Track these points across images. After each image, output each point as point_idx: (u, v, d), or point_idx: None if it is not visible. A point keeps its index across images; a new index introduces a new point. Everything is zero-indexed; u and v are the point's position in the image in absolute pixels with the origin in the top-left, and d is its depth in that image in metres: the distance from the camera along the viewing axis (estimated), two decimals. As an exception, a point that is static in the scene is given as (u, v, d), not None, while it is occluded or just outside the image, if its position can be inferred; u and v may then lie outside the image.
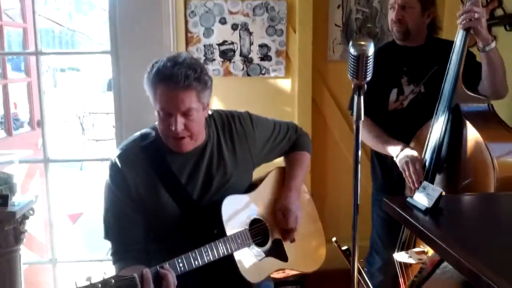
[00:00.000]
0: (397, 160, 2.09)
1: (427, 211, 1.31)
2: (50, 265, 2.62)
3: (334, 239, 1.91)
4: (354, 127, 1.26)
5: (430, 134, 2.00)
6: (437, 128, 1.96)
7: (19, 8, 3.08)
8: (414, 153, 2.04)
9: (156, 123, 1.72)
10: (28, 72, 3.16)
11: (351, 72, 1.20)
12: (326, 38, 3.22)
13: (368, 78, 1.21)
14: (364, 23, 3.22)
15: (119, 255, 1.70)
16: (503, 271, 0.98)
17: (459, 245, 1.11)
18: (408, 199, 1.40)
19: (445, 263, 1.41)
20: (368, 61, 1.18)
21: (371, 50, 1.18)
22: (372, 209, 2.50)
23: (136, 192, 1.68)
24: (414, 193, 1.42)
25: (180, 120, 1.59)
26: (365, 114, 2.33)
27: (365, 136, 2.31)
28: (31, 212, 2.27)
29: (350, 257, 1.89)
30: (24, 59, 3.14)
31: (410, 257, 1.88)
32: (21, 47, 3.13)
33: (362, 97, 1.24)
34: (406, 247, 2.12)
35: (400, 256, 2.00)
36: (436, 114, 1.98)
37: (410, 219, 1.31)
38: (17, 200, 2.17)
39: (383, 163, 2.33)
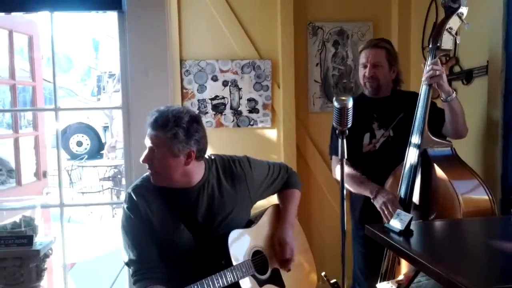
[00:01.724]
0: (374, 201, 2.36)
1: (401, 233, 1.61)
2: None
3: (323, 273, 2.17)
4: (340, 164, 1.57)
5: (403, 174, 2.28)
6: (409, 169, 2.25)
7: (29, 69, 3.39)
8: (390, 194, 2.32)
9: None
10: (36, 126, 3.43)
11: (336, 121, 1.53)
12: (307, 92, 3.57)
13: (349, 125, 1.53)
14: (340, 79, 3.60)
15: (138, 275, 1.92)
16: (462, 273, 1.28)
17: (427, 256, 1.41)
18: (385, 225, 1.70)
19: (418, 278, 1.69)
20: (349, 112, 1.51)
21: (350, 103, 1.51)
22: (352, 245, 2.75)
23: (148, 218, 1.94)
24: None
25: (147, 153, 1.91)
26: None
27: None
28: (50, 251, 2.50)
29: (339, 289, 2.17)
30: (33, 114, 3.42)
31: (392, 286, 2.15)
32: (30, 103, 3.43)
33: (345, 140, 1.55)
34: (387, 277, 2.39)
35: (382, 286, 2.27)
36: (407, 158, 2.27)
37: (388, 240, 1.60)
38: (40, 240, 2.42)
39: (360, 200, 2.59)
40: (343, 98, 1.51)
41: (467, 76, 2.87)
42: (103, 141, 12.35)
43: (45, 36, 3.39)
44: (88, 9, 2.90)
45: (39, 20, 3.53)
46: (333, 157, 2.69)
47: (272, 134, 3.56)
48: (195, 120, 1.95)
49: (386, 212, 2.29)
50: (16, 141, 3.36)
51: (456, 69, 2.98)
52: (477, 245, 1.62)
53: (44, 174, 3.42)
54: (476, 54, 2.75)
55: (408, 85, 3.15)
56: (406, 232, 1.60)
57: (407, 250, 1.47)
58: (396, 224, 1.65)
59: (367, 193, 2.42)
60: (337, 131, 1.54)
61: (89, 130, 12.60)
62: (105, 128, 12.43)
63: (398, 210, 1.69)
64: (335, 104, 1.50)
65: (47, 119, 3.69)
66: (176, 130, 1.87)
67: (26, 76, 3.47)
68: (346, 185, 2.57)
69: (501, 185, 2.50)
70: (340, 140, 1.55)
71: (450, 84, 3.01)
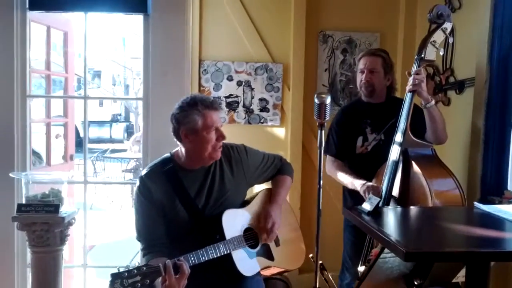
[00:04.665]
0: (360, 190, 2.63)
1: (369, 213, 1.88)
2: (82, 269, 3.16)
3: (310, 255, 2.44)
4: (318, 152, 1.86)
5: (386, 169, 2.51)
6: (391, 165, 2.48)
7: (62, 62, 3.78)
8: (373, 184, 2.59)
9: (176, 150, 2.31)
10: (66, 113, 3.80)
11: (316, 114, 1.82)
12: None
13: (327, 119, 1.82)
14: (346, 84, 3.86)
15: (147, 250, 2.22)
16: (409, 241, 1.55)
17: (381, 228, 1.69)
18: (358, 207, 1.96)
19: (384, 254, 1.95)
20: (327, 107, 1.79)
21: (328, 100, 1.80)
22: (343, 234, 3.03)
23: (158, 199, 2.23)
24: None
25: (223, 131, 2.25)
26: (337, 157, 2.93)
27: (335, 174, 2.88)
28: (73, 220, 2.85)
29: (324, 270, 2.45)
30: (63, 102, 3.79)
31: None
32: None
33: (323, 131, 1.84)
34: (366, 261, 2.64)
35: (362, 269, 2.53)
36: (390, 154, 2.50)
37: (358, 218, 1.86)
38: (65, 210, 2.78)
39: (352, 193, 2.84)
40: (323, 95, 1.80)
41: (460, 86, 3.12)
42: (81, 135, 12.78)
43: (80, 33, 3.73)
44: (118, 11, 3.26)
45: (74, 18, 3.91)
46: (327, 156, 2.96)
47: (280, 132, 3.85)
48: None
49: (367, 195, 2.53)
50: (48, 126, 3.74)
51: (451, 79, 3.22)
52: (434, 225, 1.87)
53: (71, 157, 3.79)
54: (468, 66, 2.99)
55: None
56: (373, 213, 1.87)
57: (369, 224, 1.74)
58: (366, 206, 1.92)
59: (356, 186, 2.69)
60: (317, 123, 1.83)
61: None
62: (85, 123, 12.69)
63: (371, 195, 1.96)
64: (316, 100, 1.79)
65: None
66: None
67: (59, 70, 3.86)
68: (340, 181, 2.87)
69: (480, 186, 2.75)
70: (319, 131, 1.84)
71: (445, 93, 3.28)
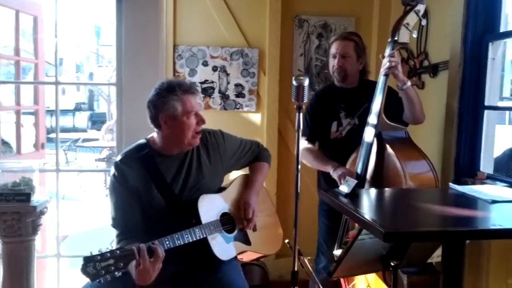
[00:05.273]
0: (333, 174, 2.62)
1: (347, 195, 1.88)
2: (55, 259, 3.10)
3: (286, 240, 2.44)
4: (296, 135, 1.84)
5: (360, 152, 2.51)
6: (365, 147, 2.48)
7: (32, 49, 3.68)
8: (347, 169, 2.59)
9: (152, 135, 2.27)
10: (37, 100, 3.70)
11: (294, 97, 1.80)
12: (290, 80, 3.71)
13: (305, 101, 1.80)
14: (322, 69, 3.85)
15: (122, 236, 2.18)
16: (387, 222, 1.56)
17: (359, 209, 1.69)
18: (336, 189, 1.97)
19: (362, 236, 1.96)
20: (305, 90, 1.78)
21: (306, 82, 1.78)
22: (318, 218, 3.03)
23: (133, 185, 2.18)
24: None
25: (202, 115, 2.23)
26: (310, 141, 2.90)
27: (307, 159, 2.85)
28: (45, 209, 2.78)
29: (300, 255, 2.45)
30: (34, 89, 3.69)
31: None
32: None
33: (301, 114, 1.82)
34: (341, 244, 2.65)
35: (337, 252, 2.55)
36: (364, 137, 2.49)
37: (335, 200, 1.87)
38: (36, 199, 2.70)
39: (327, 177, 2.81)
40: (301, 77, 1.78)
41: (434, 70, 3.14)
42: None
43: (50, 18, 3.63)
44: (89, -7, 3.16)
45: (44, 2, 3.80)
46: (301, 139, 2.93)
47: (256, 117, 3.84)
48: None
49: (342, 181, 2.52)
50: (18, 114, 3.63)
51: (425, 63, 3.25)
52: (411, 206, 1.89)
53: (42, 146, 3.70)
54: (442, 50, 3.02)
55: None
56: (351, 195, 1.87)
57: (347, 206, 1.75)
58: (344, 188, 1.92)
59: (328, 168, 2.68)
60: (295, 106, 1.81)
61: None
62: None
63: (347, 177, 1.96)
64: (294, 82, 1.77)
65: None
66: None
67: (28, 58, 3.76)
68: (311, 163, 2.86)
69: (454, 167, 2.78)
70: (297, 114, 1.82)
71: (419, 77, 3.31)
